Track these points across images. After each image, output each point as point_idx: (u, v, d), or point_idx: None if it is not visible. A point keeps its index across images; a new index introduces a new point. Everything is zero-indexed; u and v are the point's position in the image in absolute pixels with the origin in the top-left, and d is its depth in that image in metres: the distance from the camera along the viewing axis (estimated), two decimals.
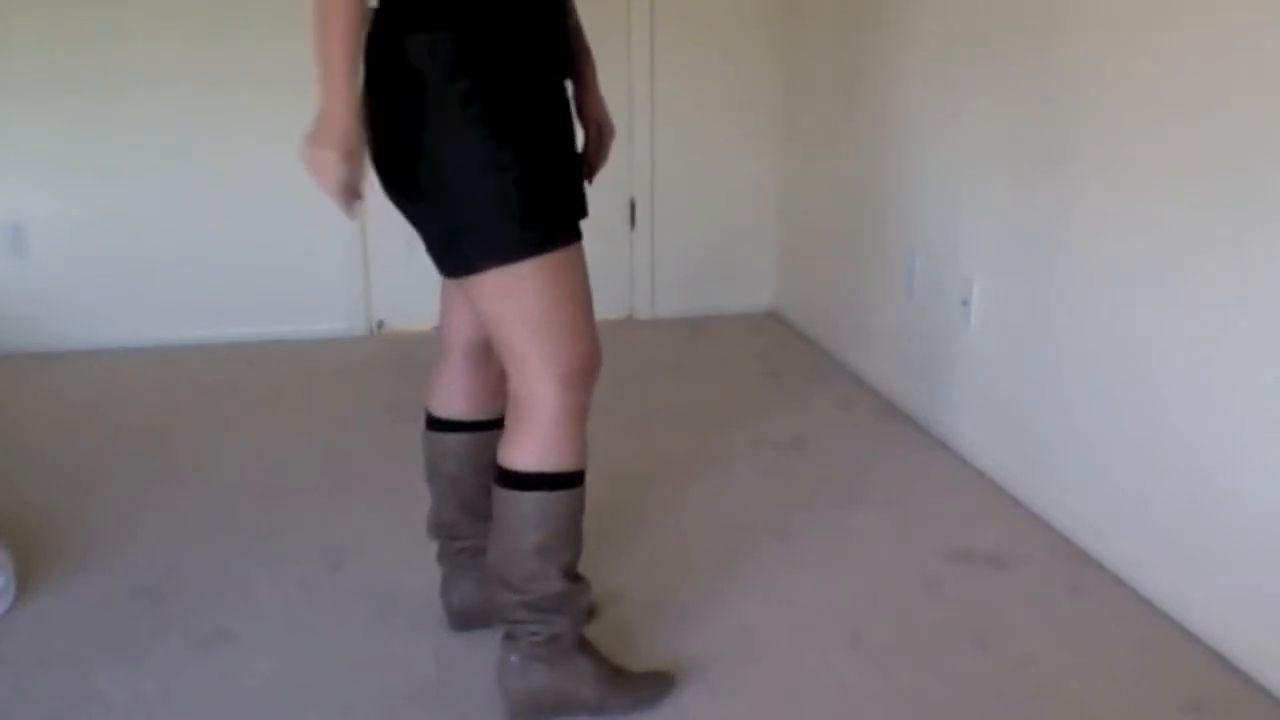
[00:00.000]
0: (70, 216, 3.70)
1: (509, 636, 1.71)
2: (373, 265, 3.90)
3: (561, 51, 1.66)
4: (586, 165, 1.87)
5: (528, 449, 1.62)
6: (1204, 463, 1.98)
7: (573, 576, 1.70)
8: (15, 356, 3.66)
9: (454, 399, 1.88)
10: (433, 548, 2.02)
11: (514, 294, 1.56)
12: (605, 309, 4.21)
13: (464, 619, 2.00)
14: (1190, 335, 2.00)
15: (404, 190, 1.60)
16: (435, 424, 1.91)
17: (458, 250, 1.57)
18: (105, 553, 2.32)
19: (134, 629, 2.04)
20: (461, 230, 1.55)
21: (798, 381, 3.45)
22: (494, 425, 1.93)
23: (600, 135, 1.86)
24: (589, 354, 1.63)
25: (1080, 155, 2.28)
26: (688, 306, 4.18)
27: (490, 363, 1.90)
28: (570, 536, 1.68)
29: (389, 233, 3.82)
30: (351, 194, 1.48)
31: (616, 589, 2.16)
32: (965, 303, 2.76)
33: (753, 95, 4.03)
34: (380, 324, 3.99)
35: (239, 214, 3.77)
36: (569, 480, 1.65)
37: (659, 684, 1.83)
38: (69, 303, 3.75)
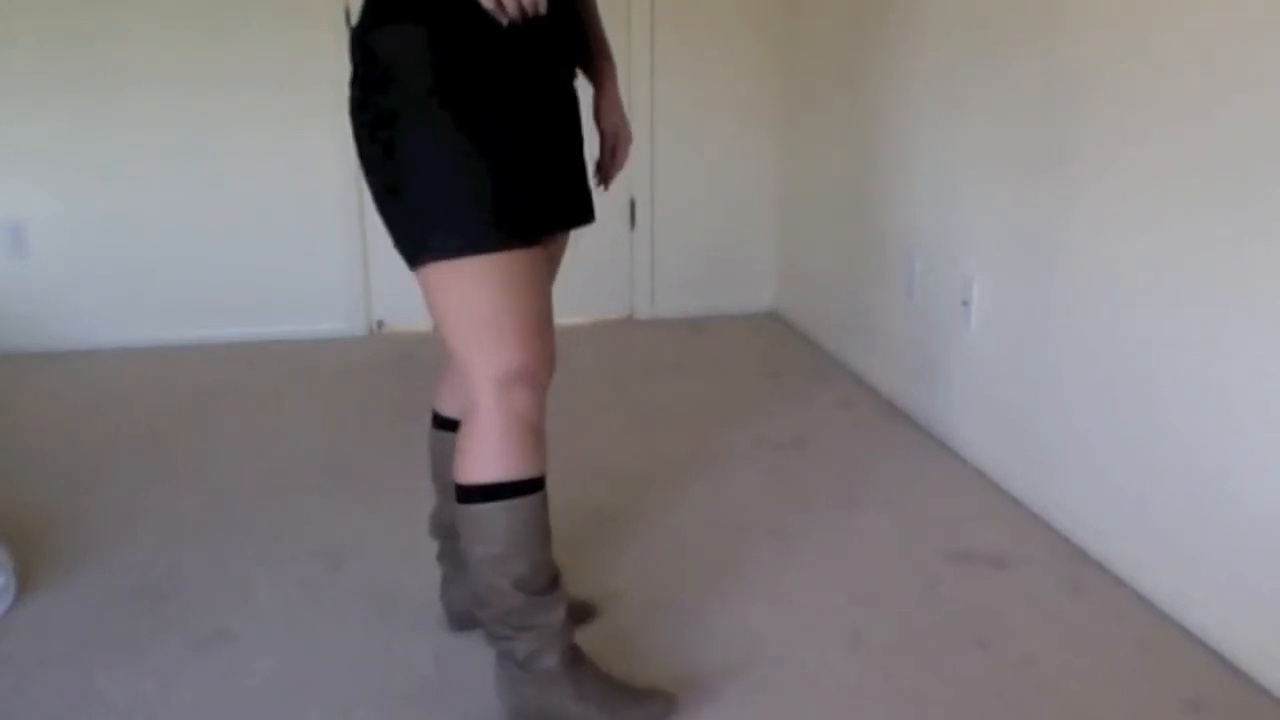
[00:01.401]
0: (70, 216, 3.70)
1: (499, 652, 1.70)
2: (373, 265, 3.90)
3: (557, 53, 1.64)
4: (600, 170, 1.85)
5: (472, 461, 1.58)
6: (1204, 463, 1.98)
7: (533, 590, 1.62)
8: (15, 356, 3.66)
9: (457, 399, 1.89)
10: (433, 548, 2.02)
11: (455, 292, 1.53)
12: (605, 309, 4.27)
13: (464, 619, 2.00)
14: (1190, 335, 2.00)
15: (375, 182, 1.59)
16: (439, 423, 1.91)
17: (409, 241, 1.55)
18: (105, 553, 2.32)
19: (134, 629, 2.04)
20: (413, 221, 1.54)
21: (798, 381, 3.45)
22: None
23: (615, 141, 1.84)
24: (529, 360, 1.55)
25: (1080, 156, 2.28)
26: (688, 306, 4.18)
27: None
28: (523, 549, 1.60)
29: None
30: None
31: (616, 589, 2.16)
32: (965, 303, 2.76)
33: (753, 95, 4.03)
34: (380, 324, 3.99)
35: (239, 214, 3.78)
36: (517, 489, 1.58)
37: (658, 705, 1.75)
38: (69, 303, 3.75)
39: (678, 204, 4.09)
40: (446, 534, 1.96)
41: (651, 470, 2.75)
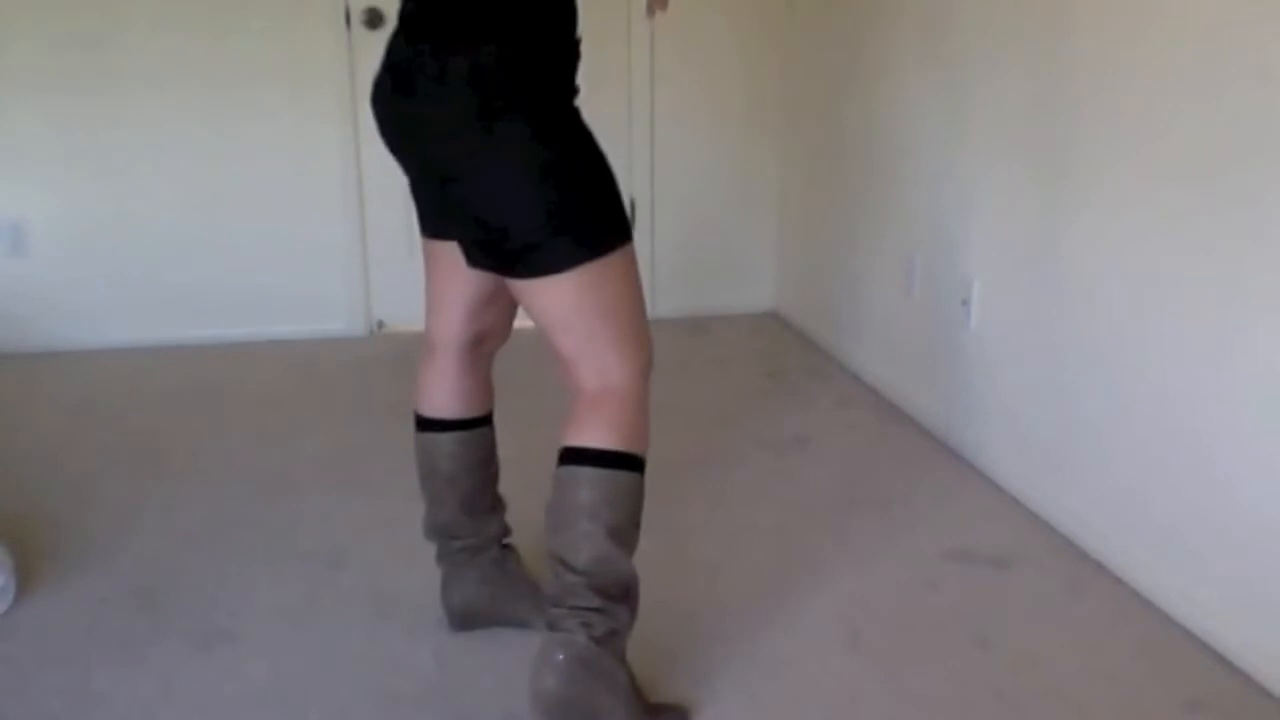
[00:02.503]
0: (70, 216, 3.69)
1: (557, 629, 1.61)
2: (372, 266, 3.90)
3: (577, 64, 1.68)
4: None
5: (611, 428, 1.62)
6: (1205, 463, 1.98)
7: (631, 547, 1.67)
8: (15, 356, 3.66)
9: (447, 398, 1.89)
10: (433, 548, 2.02)
11: (599, 288, 1.60)
12: None
13: (464, 619, 2.00)
14: (1191, 334, 2.00)
15: (473, 204, 1.59)
16: (428, 425, 1.91)
17: (538, 253, 1.57)
18: (105, 553, 2.32)
19: (134, 629, 2.04)
20: (546, 233, 1.56)
21: (798, 381, 3.45)
22: (485, 422, 1.93)
23: None
24: (651, 347, 1.69)
25: (1080, 155, 2.28)
26: (688, 306, 4.17)
27: (480, 360, 1.90)
28: (637, 523, 1.67)
29: (389, 234, 3.84)
30: None
31: None
32: (965, 302, 2.76)
33: (753, 96, 4.02)
34: (380, 324, 3.99)
35: (239, 214, 3.77)
36: (641, 466, 1.66)
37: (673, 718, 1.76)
38: (69, 303, 3.74)
39: (678, 204, 4.08)
40: (444, 535, 1.96)
41: (651, 470, 2.73)
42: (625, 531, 1.64)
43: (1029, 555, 2.31)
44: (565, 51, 1.60)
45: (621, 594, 1.64)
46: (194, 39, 3.60)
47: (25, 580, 2.17)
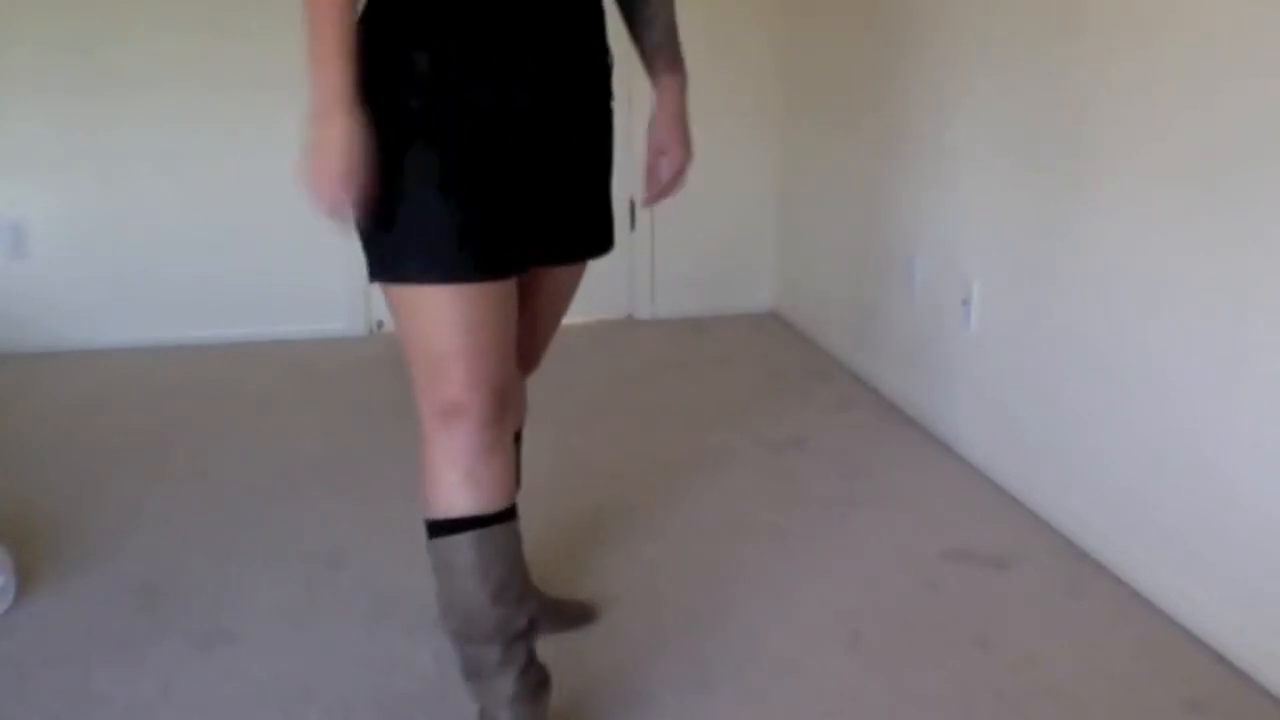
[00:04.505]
0: (70, 216, 3.70)
1: None
2: None
3: (567, 79, 1.55)
4: (645, 187, 1.76)
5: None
6: (1205, 462, 1.98)
7: (473, 639, 1.55)
8: (15, 356, 3.66)
9: None
10: None
11: (400, 316, 1.50)
12: (605, 309, 4.25)
13: None
14: (1192, 334, 1.99)
15: None
16: None
17: (366, 257, 1.52)
18: (105, 553, 2.32)
19: (134, 629, 2.04)
20: (368, 238, 1.50)
21: (798, 381, 3.45)
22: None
23: (656, 157, 1.72)
24: (452, 396, 1.48)
25: (1081, 155, 2.28)
26: (688, 306, 4.18)
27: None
28: (446, 599, 1.55)
29: None
30: (346, 194, 1.37)
31: (616, 590, 2.16)
32: (965, 303, 2.76)
33: (753, 96, 4.03)
34: (380, 324, 3.99)
35: (239, 214, 3.77)
36: (432, 530, 1.54)
37: None
38: (69, 303, 3.75)
39: (678, 204, 4.05)
40: None
41: (651, 470, 2.75)
42: (441, 606, 1.58)
43: (1029, 555, 2.31)
44: (450, 65, 1.45)
45: (467, 672, 1.58)
46: (194, 40, 3.60)
47: (25, 580, 2.17)
